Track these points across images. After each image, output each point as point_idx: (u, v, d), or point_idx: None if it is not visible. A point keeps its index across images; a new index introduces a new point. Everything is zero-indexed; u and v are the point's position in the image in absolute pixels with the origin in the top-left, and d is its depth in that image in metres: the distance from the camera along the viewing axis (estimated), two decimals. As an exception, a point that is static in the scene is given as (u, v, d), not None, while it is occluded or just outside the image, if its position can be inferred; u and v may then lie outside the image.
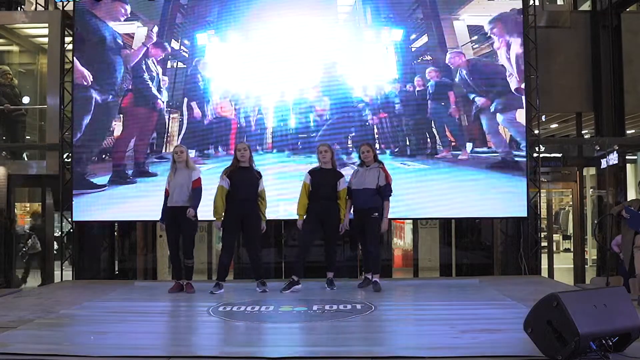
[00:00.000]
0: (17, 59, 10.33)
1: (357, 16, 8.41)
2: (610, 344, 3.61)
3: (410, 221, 9.50)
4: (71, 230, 8.56)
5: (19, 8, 10.32)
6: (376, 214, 6.47)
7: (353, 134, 8.23)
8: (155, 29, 8.36)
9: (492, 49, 8.25)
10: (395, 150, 8.24)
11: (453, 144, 8.21)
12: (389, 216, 6.70)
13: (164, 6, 8.40)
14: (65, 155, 8.51)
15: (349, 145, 8.20)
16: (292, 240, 9.02)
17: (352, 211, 6.69)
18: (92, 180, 8.21)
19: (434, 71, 8.27)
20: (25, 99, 9.52)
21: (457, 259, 9.41)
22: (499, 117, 8.18)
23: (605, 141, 8.97)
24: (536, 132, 8.54)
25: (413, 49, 8.35)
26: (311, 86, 8.28)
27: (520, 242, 8.49)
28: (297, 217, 6.68)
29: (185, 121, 8.32)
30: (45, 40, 9.18)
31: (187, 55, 8.42)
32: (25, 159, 9.72)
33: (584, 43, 9.29)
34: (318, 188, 6.56)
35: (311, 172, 6.69)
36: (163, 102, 8.32)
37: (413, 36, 8.34)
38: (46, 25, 9.11)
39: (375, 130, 8.27)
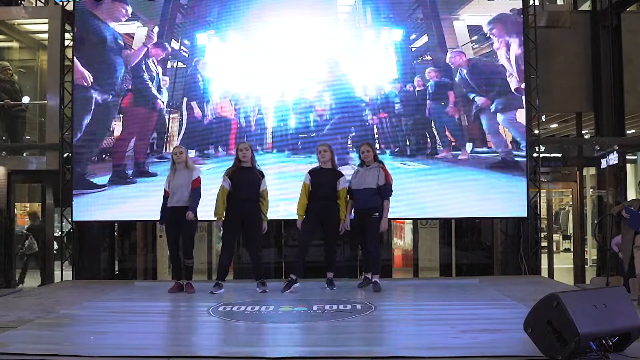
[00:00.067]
0: (17, 55, 10.30)
1: (357, 16, 8.41)
2: (610, 344, 3.61)
3: (410, 221, 9.49)
4: (71, 230, 8.57)
5: (19, 3, 10.32)
6: (376, 214, 6.46)
7: (353, 133, 8.23)
8: (156, 29, 8.37)
9: (492, 49, 8.26)
10: (395, 150, 8.24)
11: (453, 144, 8.21)
12: (389, 216, 6.70)
13: (164, 6, 8.41)
14: (65, 155, 8.50)
15: (349, 145, 8.20)
16: (292, 240, 9.01)
17: (352, 212, 6.69)
18: (92, 180, 8.22)
19: (433, 71, 8.27)
20: (25, 99, 9.50)
21: (457, 259, 9.40)
22: (499, 117, 8.19)
23: (605, 141, 8.97)
24: (536, 132, 8.55)
25: (413, 49, 8.35)
26: (311, 86, 8.28)
27: (520, 242, 8.50)
28: (297, 217, 6.68)
29: (185, 121, 8.32)
30: (46, 36, 9.16)
31: (187, 55, 8.42)
32: (25, 154, 9.70)
33: (584, 43, 9.30)
34: (318, 188, 6.55)
35: (311, 172, 6.69)
36: (163, 102, 8.32)
37: (413, 36, 8.34)
38: (46, 21, 9.08)
39: (375, 130, 8.27)
